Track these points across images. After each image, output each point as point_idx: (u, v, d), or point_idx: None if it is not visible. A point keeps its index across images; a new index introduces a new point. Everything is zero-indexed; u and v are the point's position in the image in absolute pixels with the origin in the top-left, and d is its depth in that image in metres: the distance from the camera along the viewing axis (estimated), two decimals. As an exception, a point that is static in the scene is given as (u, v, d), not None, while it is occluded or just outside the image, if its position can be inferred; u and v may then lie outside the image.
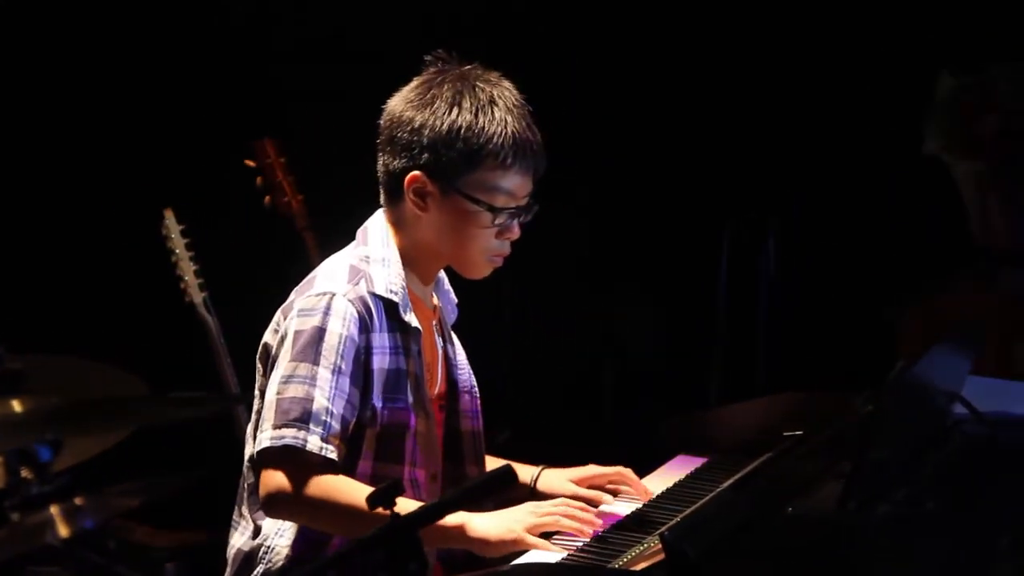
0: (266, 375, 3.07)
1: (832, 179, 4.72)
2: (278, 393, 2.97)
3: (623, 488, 3.28)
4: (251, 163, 4.42)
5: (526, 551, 2.91)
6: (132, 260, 4.67)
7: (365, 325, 3.01)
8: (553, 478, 3.29)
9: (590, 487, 3.26)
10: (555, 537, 2.97)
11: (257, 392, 3.11)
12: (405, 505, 2.50)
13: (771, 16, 4.71)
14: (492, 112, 3.03)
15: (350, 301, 3.01)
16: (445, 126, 3.02)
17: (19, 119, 4.74)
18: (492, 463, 3.29)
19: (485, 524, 2.92)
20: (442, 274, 3.26)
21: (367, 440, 3.03)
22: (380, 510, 2.41)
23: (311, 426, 2.94)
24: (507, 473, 2.52)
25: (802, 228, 4.81)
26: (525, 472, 3.30)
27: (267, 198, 4.42)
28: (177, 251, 4.28)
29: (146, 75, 4.82)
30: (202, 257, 4.29)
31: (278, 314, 3.09)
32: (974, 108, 4.32)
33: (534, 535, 2.93)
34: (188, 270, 4.27)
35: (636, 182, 4.91)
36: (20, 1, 4.75)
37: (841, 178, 4.70)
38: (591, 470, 3.30)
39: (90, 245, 4.79)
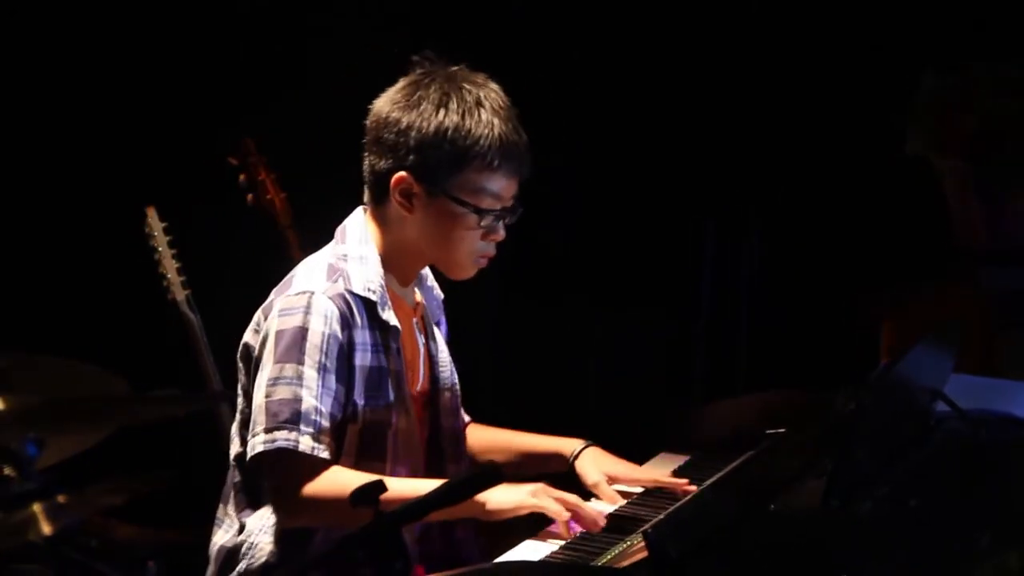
0: (248, 375, 3.08)
1: (815, 177, 4.72)
2: (266, 396, 2.97)
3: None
4: (234, 160, 4.41)
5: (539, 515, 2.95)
6: (114, 258, 4.65)
7: (346, 322, 3.02)
8: (591, 465, 3.24)
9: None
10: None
11: (240, 392, 3.11)
12: (396, 487, 2.50)
13: (756, 13, 4.71)
14: (479, 114, 3.03)
15: (330, 299, 3.01)
16: (432, 128, 3.02)
17: (-1, 117, 4.73)
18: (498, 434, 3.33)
19: (500, 498, 2.92)
20: (426, 271, 3.26)
21: (349, 437, 3.04)
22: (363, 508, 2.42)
23: (302, 426, 2.95)
24: (493, 472, 2.52)
25: (785, 226, 4.81)
26: (566, 445, 3.28)
27: (250, 196, 4.41)
28: (160, 249, 4.27)
29: (129, 73, 4.80)
30: (185, 255, 4.28)
31: (258, 314, 3.09)
32: (956, 107, 4.33)
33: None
34: (170, 268, 4.25)
35: (618, 178, 4.91)
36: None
37: (824, 176, 4.71)
38: (647, 475, 3.27)
39: (72, 243, 4.77)
